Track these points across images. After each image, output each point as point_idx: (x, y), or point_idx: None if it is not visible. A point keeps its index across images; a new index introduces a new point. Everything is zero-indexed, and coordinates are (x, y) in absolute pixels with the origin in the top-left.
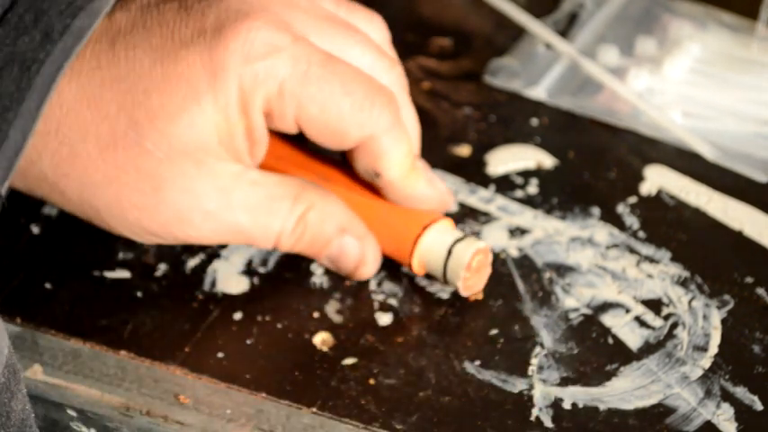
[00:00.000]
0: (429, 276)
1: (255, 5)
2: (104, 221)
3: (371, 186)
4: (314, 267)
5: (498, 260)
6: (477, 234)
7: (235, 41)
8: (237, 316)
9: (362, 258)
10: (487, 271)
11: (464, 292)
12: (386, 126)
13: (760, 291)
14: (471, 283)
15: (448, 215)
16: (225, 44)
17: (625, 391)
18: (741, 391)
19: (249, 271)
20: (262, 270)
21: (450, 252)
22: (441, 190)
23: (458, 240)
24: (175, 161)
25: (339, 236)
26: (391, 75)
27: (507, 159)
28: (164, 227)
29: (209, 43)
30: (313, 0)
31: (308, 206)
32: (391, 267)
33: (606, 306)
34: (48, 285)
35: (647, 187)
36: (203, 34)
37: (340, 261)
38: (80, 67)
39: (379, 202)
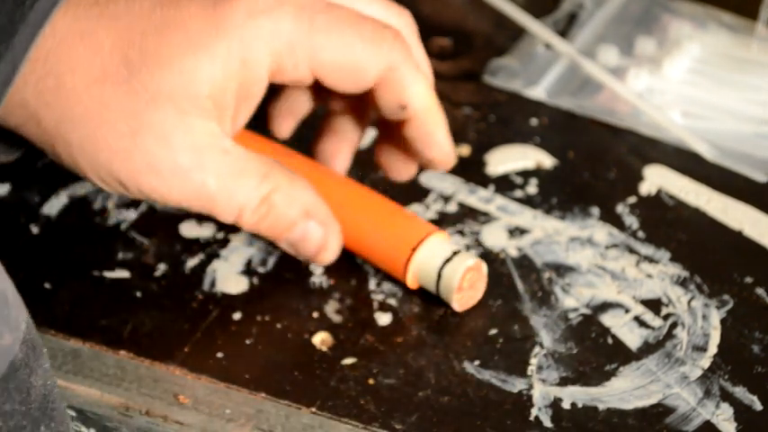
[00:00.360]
0: None
1: None
2: (74, 160)
3: (363, 206)
4: (314, 267)
5: (498, 260)
6: (476, 234)
7: None
8: (237, 316)
9: (324, 244)
10: (482, 285)
11: (460, 310)
12: (401, 57)
13: (759, 291)
14: (466, 299)
15: (446, 215)
16: (227, 1)
17: (624, 390)
18: (740, 391)
19: (248, 271)
20: (261, 270)
21: (440, 275)
22: (450, 146)
23: (447, 261)
24: (159, 106)
25: (303, 220)
26: (400, 20)
27: (507, 159)
28: (132, 175)
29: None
30: None
31: (275, 187)
32: None
33: (605, 306)
34: (47, 285)
35: (647, 187)
36: None
37: (301, 246)
38: (77, 0)
39: (370, 219)
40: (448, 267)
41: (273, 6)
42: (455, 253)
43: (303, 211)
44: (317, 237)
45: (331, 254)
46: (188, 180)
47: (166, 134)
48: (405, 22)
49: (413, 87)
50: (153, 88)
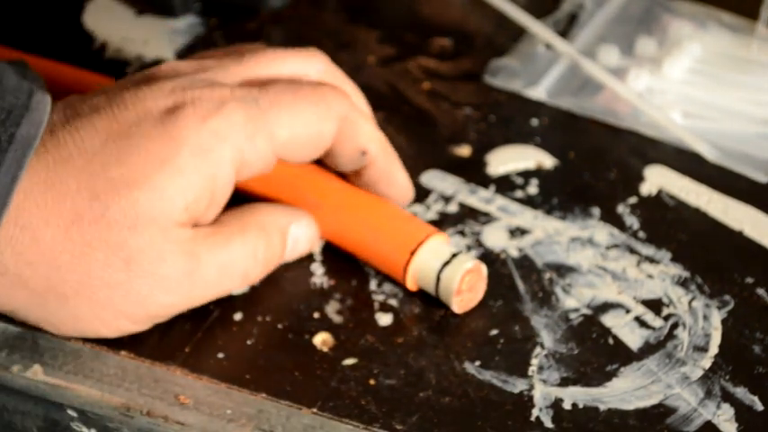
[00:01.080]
0: None
1: (180, 78)
2: (73, 313)
3: (363, 208)
4: (314, 267)
5: (498, 260)
6: (476, 234)
7: (184, 110)
8: (238, 316)
9: (312, 239)
10: (482, 286)
11: (460, 312)
12: (346, 107)
13: (760, 291)
14: (466, 301)
15: (447, 215)
16: (175, 115)
17: (625, 391)
18: (741, 392)
19: None
20: None
21: (438, 279)
22: (408, 179)
23: (446, 264)
24: (143, 230)
25: (288, 239)
26: (316, 61)
27: (507, 159)
28: (137, 303)
29: (158, 118)
30: (209, 54)
31: (264, 248)
32: None
33: (606, 306)
34: None
35: (648, 187)
36: (148, 113)
37: (295, 255)
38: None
39: (369, 222)
40: (447, 270)
41: (219, 105)
42: (454, 255)
43: (283, 236)
44: (304, 243)
45: (315, 244)
46: (194, 283)
47: (159, 253)
48: (320, 61)
49: (366, 132)
50: (132, 213)
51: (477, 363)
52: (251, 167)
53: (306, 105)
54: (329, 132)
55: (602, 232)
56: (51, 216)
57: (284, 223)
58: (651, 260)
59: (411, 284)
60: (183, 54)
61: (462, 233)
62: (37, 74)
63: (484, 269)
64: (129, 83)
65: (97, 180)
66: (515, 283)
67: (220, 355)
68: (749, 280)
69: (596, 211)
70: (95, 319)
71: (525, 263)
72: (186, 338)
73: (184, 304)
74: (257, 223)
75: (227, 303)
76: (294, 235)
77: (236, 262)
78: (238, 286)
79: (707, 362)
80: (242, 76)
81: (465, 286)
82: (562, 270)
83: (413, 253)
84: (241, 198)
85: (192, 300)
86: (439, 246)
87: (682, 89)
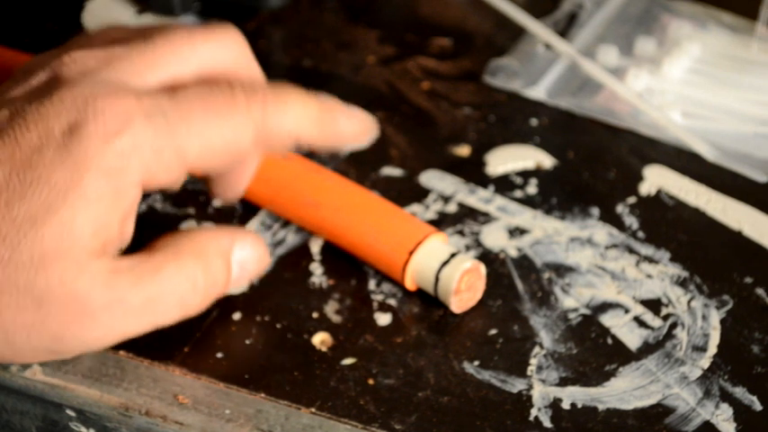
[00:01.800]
0: None
1: (84, 87)
2: None
3: (361, 208)
4: (313, 267)
5: (497, 260)
6: (475, 234)
7: (86, 129)
8: (237, 316)
9: (261, 260)
10: (481, 285)
11: (459, 311)
12: (263, 107)
13: (759, 291)
14: (464, 301)
15: (446, 215)
16: (78, 136)
17: (624, 391)
18: (740, 392)
19: None
20: None
21: (437, 278)
22: (360, 117)
23: (444, 264)
24: (51, 268)
25: (233, 266)
26: (233, 49)
27: (507, 159)
28: (57, 342)
29: (60, 141)
30: (118, 35)
31: (203, 275)
32: None
33: (605, 306)
34: None
35: (647, 187)
36: (51, 132)
37: (243, 281)
38: None
39: (368, 221)
40: (445, 270)
41: (125, 122)
42: (452, 255)
43: (226, 259)
44: (253, 257)
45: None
46: (118, 320)
47: (71, 291)
48: (234, 42)
49: (294, 123)
50: (37, 253)
51: (476, 362)
52: (158, 182)
53: (219, 115)
54: (246, 140)
55: (602, 232)
56: None
57: (226, 246)
58: (650, 260)
59: (410, 284)
60: None
61: (461, 233)
62: None
63: (482, 269)
64: (31, 79)
65: (2, 222)
66: (514, 283)
67: (219, 355)
68: (748, 280)
69: (595, 210)
70: (19, 358)
71: (524, 263)
72: (185, 338)
73: (111, 339)
74: (194, 248)
75: (226, 303)
76: (239, 258)
77: (169, 292)
78: (175, 318)
79: (706, 362)
80: (150, 72)
81: (464, 286)
82: (561, 270)
83: (411, 253)
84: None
85: (119, 334)
86: (437, 246)
87: (681, 89)
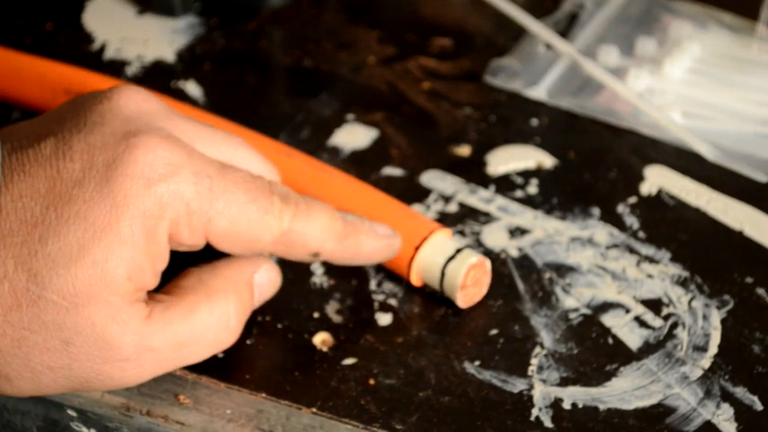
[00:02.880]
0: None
1: (140, 125)
2: (18, 389)
3: (366, 204)
4: (314, 267)
5: (498, 260)
6: (476, 234)
7: (133, 167)
8: None
9: (274, 281)
10: (487, 280)
11: (464, 306)
12: (293, 214)
13: (760, 291)
14: (470, 296)
15: (447, 215)
16: (122, 172)
17: (625, 391)
18: (741, 392)
19: None
20: None
21: (443, 273)
22: (384, 235)
23: (450, 259)
24: (83, 308)
25: (255, 291)
26: (274, 171)
27: (507, 159)
28: (82, 383)
29: (104, 174)
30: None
31: (235, 308)
32: None
33: (606, 306)
34: None
35: (647, 187)
36: (95, 166)
37: (259, 303)
38: None
39: (373, 217)
40: (451, 265)
41: (171, 172)
42: (458, 250)
43: (251, 286)
44: (268, 280)
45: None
46: (142, 365)
47: (101, 334)
48: (271, 171)
49: (316, 235)
50: (69, 292)
51: (477, 362)
52: (179, 241)
53: (255, 205)
54: (268, 238)
55: (602, 232)
56: None
57: (249, 275)
58: (651, 260)
59: (415, 280)
60: (184, 54)
61: (462, 233)
62: None
63: (488, 264)
64: (84, 112)
65: (35, 258)
66: (515, 283)
67: (220, 355)
68: (749, 280)
69: (596, 210)
70: (45, 392)
71: (525, 263)
72: None
73: (138, 381)
74: (225, 285)
75: None
76: (258, 282)
77: (202, 334)
78: (207, 356)
79: (706, 361)
80: (205, 142)
81: (470, 281)
82: (562, 270)
83: (417, 248)
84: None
85: (146, 377)
86: (443, 241)
87: (682, 89)
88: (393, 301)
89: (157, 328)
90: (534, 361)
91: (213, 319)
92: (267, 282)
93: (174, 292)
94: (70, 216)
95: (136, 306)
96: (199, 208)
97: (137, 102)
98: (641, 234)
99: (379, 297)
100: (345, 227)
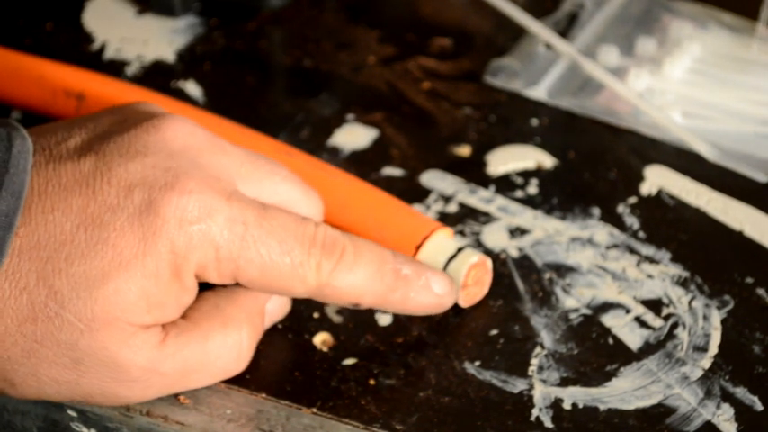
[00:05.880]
0: None
1: (182, 162)
2: (21, 394)
3: (367, 203)
4: None
5: (498, 260)
6: (476, 234)
7: (167, 206)
8: None
9: (283, 307)
10: (488, 279)
11: (466, 305)
12: (334, 266)
13: (760, 291)
14: (471, 295)
15: (447, 215)
16: (156, 209)
17: (625, 391)
18: (741, 392)
19: None
20: None
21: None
22: (439, 295)
23: (451, 258)
24: (97, 332)
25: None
26: (311, 203)
27: (507, 159)
28: (87, 397)
29: (138, 207)
30: (233, 145)
31: (248, 336)
32: None
33: (606, 306)
34: None
35: (648, 187)
36: (130, 196)
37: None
38: None
39: (374, 216)
40: (452, 265)
41: (204, 216)
42: (459, 250)
43: (263, 313)
44: (276, 306)
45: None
46: (148, 386)
47: (112, 358)
48: (314, 204)
49: (355, 289)
50: (86, 316)
51: (477, 363)
52: (207, 279)
53: (289, 261)
54: (300, 292)
55: (602, 232)
56: (7, 308)
57: (263, 303)
58: (651, 260)
59: None
60: (184, 54)
61: (462, 233)
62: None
63: (489, 263)
64: (129, 137)
65: (58, 276)
66: (515, 283)
67: None
68: (749, 280)
69: (596, 211)
70: (46, 398)
71: (525, 263)
72: None
73: (140, 400)
74: (240, 315)
75: None
76: (269, 309)
77: (213, 362)
78: (213, 382)
79: (707, 362)
80: (247, 172)
81: (471, 280)
82: (562, 270)
83: (418, 248)
84: None
85: (149, 397)
86: (444, 240)
87: (682, 89)
88: None
89: (169, 353)
90: (534, 361)
91: (225, 348)
92: (278, 307)
93: (189, 317)
94: (99, 241)
95: (151, 331)
96: (228, 255)
97: (184, 135)
98: (641, 234)
99: None
100: (396, 280)
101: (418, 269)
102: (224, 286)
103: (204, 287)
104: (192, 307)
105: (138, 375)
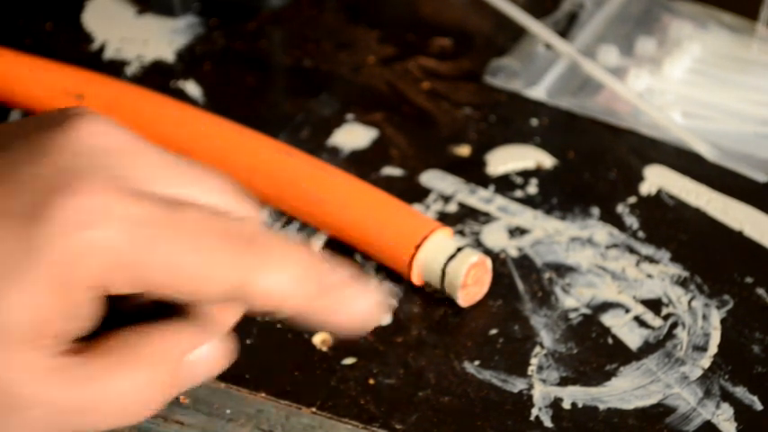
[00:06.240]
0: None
1: (86, 164)
2: None
3: (367, 203)
4: None
5: (498, 260)
6: (476, 234)
7: (57, 209)
8: None
9: (219, 361)
10: (488, 278)
11: (466, 305)
12: (252, 266)
13: (760, 291)
14: (471, 295)
15: (446, 215)
16: (47, 216)
17: (625, 390)
18: (741, 391)
19: None
20: None
21: (444, 272)
22: (367, 304)
23: (450, 258)
24: None
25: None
26: (252, 208)
27: (507, 159)
28: None
29: (27, 214)
30: (160, 150)
31: (162, 380)
32: None
33: (606, 306)
34: None
35: (647, 187)
36: (18, 198)
37: (194, 382)
38: None
39: (373, 216)
40: (452, 264)
41: (101, 218)
42: (459, 249)
43: (181, 364)
44: (209, 358)
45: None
46: (50, 417)
47: None
48: (248, 215)
49: (277, 293)
50: None
51: (477, 362)
52: (116, 292)
53: (200, 259)
54: (215, 294)
55: (602, 232)
56: None
57: (187, 348)
58: (651, 260)
59: (416, 279)
60: (183, 54)
61: (462, 233)
62: None
63: (489, 262)
64: (32, 137)
65: None
66: (515, 283)
67: None
68: (748, 280)
69: (596, 210)
70: None
71: (525, 262)
72: None
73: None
74: (154, 355)
75: None
76: (196, 361)
77: (113, 400)
78: (112, 426)
79: (706, 361)
80: (169, 176)
81: (470, 280)
82: (562, 270)
83: (417, 247)
84: None
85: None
86: (443, 240)
87: (682, 89)
88: (393, 301)
89: (66, 380)
90: (534, 361)
91: (129, 389)
92: (207, 362)
93: (98, 347)
94: None
95: (40, 353)
96: (132, 260)
97: (96, 135)
98: (641, 234)
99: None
100: (323, 286)
101: (348, 280)
102: (147, 322)
103: (136, 319)
104: (106, 338)
105: (30, 404)
